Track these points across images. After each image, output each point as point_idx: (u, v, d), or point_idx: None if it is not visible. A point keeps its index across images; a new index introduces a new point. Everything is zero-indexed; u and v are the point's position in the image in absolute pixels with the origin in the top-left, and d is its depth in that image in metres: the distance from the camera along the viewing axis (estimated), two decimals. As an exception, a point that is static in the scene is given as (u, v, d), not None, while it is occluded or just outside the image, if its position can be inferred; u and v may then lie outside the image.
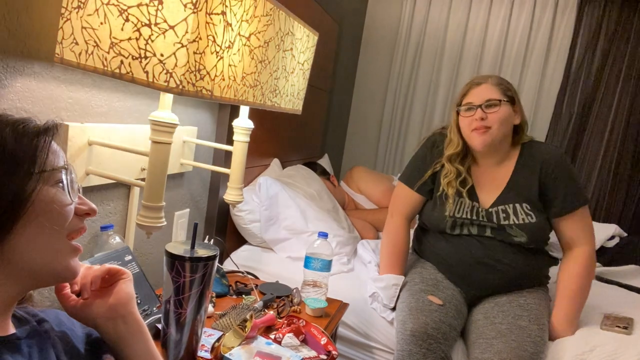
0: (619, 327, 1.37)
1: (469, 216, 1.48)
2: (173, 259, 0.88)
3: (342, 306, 1.40)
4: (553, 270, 1.55)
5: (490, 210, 1.47)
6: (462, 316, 1.44)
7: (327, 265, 1.40)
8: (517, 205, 1.45)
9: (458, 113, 1.49)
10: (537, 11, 2.94)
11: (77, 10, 0.85)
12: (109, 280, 0.69)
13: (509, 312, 1.37)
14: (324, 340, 1.11)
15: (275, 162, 2.05)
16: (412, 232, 1.69)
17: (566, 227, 1.45)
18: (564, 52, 2.92)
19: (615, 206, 2.87)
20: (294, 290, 1.37)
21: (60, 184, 0.58)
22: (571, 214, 1.44)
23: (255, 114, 1.30)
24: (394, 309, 1.48)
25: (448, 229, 1.50)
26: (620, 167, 2.85)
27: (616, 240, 2.20)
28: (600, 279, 1.88)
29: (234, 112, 1.53)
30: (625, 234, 2.28)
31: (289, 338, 1.10)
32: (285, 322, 1.17)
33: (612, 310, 1.49)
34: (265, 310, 1.26)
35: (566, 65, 2.91)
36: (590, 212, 2.92)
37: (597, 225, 2.30)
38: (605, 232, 2.21)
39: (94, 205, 0.63)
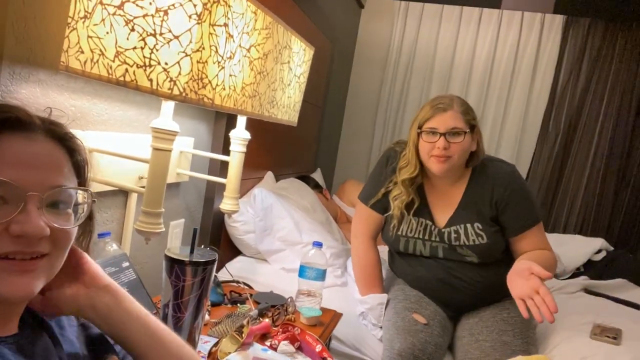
0: (608, 337, 1.39)
1: (421, 235, 1.47)
2: (173, 262, 0.89)
3: (336, 315, 1.41)
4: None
5: (443, 230, 1.45)
6: (448, 332, 1.44)
7: (321, 275, 1.41)
8: (469, 226, 1.43)
9: (419, 135, 1.42)
10: (523, 32, 3.04)
11: (83, 20, 0.87)
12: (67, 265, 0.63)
13: (493, 328, 1.37)
14: (318, 348, 1.12)
15: (269, 175, 2.07)
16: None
17: (522, 246, 1.42)
18: (549, 72, 3.01)
19: (601, 221, 2.94)
20: (289, 300, 1.38)
21: None
22: (525, 234, 1.42)
23: (250, 127, 1.33)
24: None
25: (402, 248, 1.49)
26: (606, 183, 2.93)
27: (603, 254, 2.25)
28: (589, 291, 1.91)
29: (230, 123, 1.55)
30: (612, 248, 2.32)
31: (285, 345, 1.10)
32: (281, 329, 1.18)
33: (601, 321, 1.51)
34: (260, 318, 1.27)
35: (552, 85, 3.00)
36: (578, 227, 3.01)
37: (584, 240, 2.37)
38: (593, 246, 2.26)
39: (31, 229, 0.52)
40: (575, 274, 2.17)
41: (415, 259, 1.50)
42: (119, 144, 1.12)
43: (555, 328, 1.47)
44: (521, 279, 1.21)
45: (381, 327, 1.48)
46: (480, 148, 1.45)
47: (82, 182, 0.63)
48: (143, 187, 1.00)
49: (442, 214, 1.48)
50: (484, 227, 1.42)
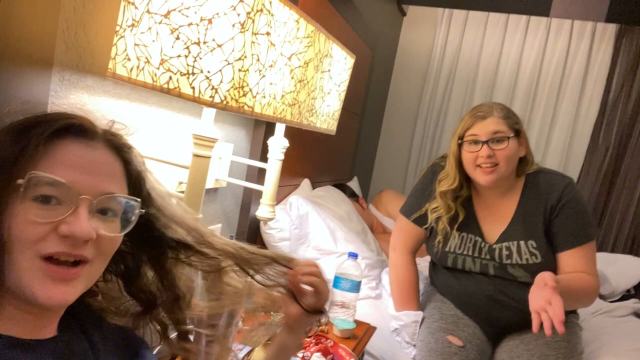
0: (660, 366, 1.31)
1: (470, 252, 1.41)
2: (208, 270, 0.89)
3: (370, 329, 1.39)
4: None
5: (494, 246, 1.39)
6: (486, 355, 1.38)
7: (356, 286, 1.39)
8: (522, 243, 1.35)
9: (459, 146, 1.38)
10: (573, 40, 2.92)
11: (131, 28, 0.89)
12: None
13: (535, 351, 1.29)
14: (351, 362, 1.10)
15: (306, 182, 2.07)
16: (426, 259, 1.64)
17: (568, 262, 1.33)
18: (600, 83, 2.88)
19: (654, 241, 2.77)
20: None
21: (43, 200, 0.53)
22: (572, 251, 1.33)
23: (288, 134, 1.32)
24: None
25: (450, 264, 1.44)
26: (660, 201, 2.76)
27: (656, 276, 2.12)
28: (639, 315, 1.80)
29: (268, 130, 1.56)
30: (666, 271, 2.18)
31: (317, 357, 1.09)
32: (313, 341, 1.16)
33: (653, 349, 1.42)
34: (293, 328, 1.26)
35: (603, 96, 2.87)
36: (628, 246, 2.85)
37: (635, 260, 2.24)
38: (645, 268, 2.13)
39: (79, 231, 0.53)
40: (625, 296, 2.05)
41: (464, 274, 1.44)
42: (161, 149, 1.14)
43: (603, 354, 1.40)
44: (537, 290, 1.12)
45: (415, 346, 1.43)
46: (529, 153, 1.39)
47: (135, 192, 0.64)
48: (182, 192, 1.01)
49: (493, 229, 1.41)
50: (539, 245, 1.34)
